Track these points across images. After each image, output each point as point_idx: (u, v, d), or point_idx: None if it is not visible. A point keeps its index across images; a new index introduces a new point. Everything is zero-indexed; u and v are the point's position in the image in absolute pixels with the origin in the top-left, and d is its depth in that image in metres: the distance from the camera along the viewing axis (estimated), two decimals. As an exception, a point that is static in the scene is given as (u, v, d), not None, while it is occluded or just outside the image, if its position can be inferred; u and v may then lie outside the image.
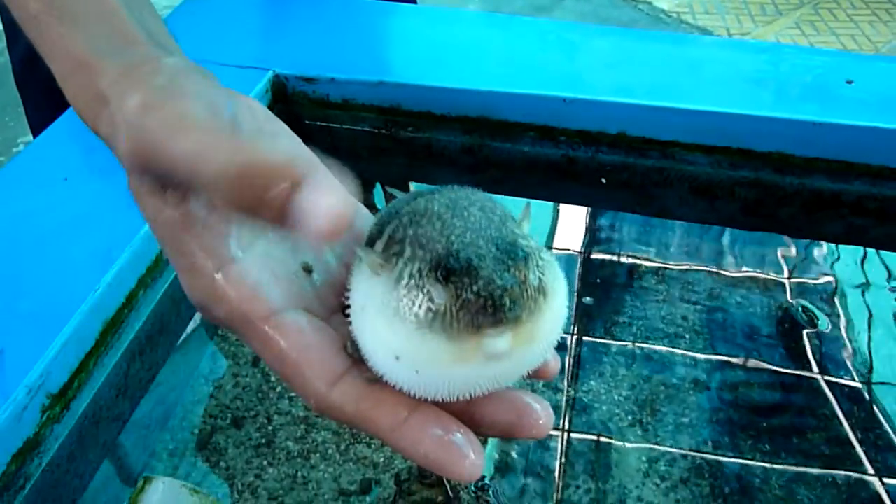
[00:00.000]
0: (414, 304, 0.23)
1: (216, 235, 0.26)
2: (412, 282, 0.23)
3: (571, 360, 0.68)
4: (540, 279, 0.24)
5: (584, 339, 0.71)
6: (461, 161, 0.76)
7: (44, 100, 0.85)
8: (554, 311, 0.25)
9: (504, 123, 0.74)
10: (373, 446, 0.63)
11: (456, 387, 0.24)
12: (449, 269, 0.23)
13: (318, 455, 0.63)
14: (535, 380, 0.24)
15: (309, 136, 0.26)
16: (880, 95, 0.71)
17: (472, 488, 0.53)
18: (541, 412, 0.25)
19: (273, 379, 0.69)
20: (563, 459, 0.61)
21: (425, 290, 0.23)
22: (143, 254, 0.58)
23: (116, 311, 0.56)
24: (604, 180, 0.76)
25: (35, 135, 0.89)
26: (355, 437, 0.64)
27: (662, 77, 0.74)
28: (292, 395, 0.68)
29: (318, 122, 0.77)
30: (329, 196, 0.24)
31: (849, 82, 0.73)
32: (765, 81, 0.73)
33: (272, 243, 0.27)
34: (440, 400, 0.24)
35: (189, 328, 0.70)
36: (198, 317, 0.71)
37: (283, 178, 0.24)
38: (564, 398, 0.66)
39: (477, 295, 0.23)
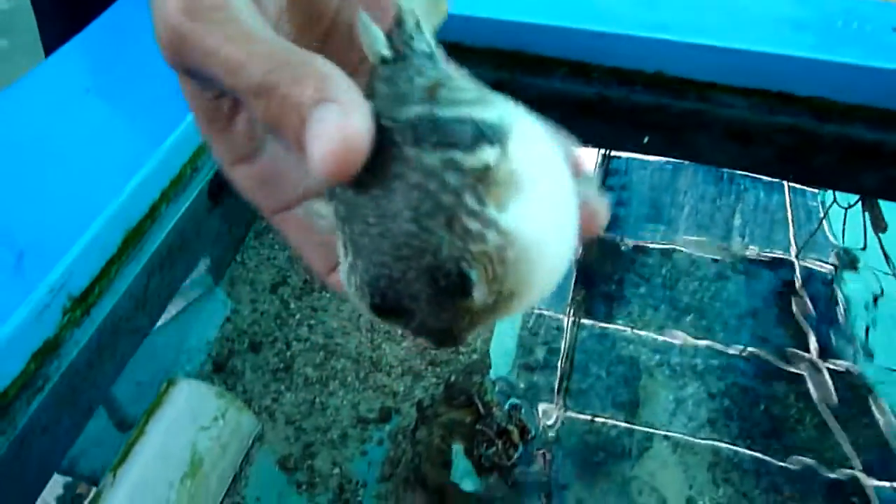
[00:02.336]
0: None
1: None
2: None
3: (568, 339, 0.67)
4: None
5: (583, 321, 0.69)
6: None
7: (58, 18, 0.83)
8: None
9: (536, 58, 0.72)
10: (392, 375, 0.62)
11: None
12: None
13: (336, 382, 0.62)
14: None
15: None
16: (927, 44, 0.69)
17: (506, 407, 0.52)
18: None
19: (292, 306, 0.68)
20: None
21: None
22: (166, 166, 0.57)
23: (139, 221, 0.54)
24: (646, 139, 0.74)
25: (48, 54, 0.86)
26: (375, 366, 0.63)
27: (703, 16, 0.71)
28: (312, 322, 0.66)
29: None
30: (344, 118, 0.18)
31: (895, 30, 0.70)
32: (807, 24, 0.71)
33: None
34: None
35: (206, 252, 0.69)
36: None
37: (306, 89, 0.19)
38: (558, 376, 0.65)
39: None
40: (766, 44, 0.68)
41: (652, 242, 0.75)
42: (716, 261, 0.74)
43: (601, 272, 0.73)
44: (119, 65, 0.65)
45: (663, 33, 0.69)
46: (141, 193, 0.54)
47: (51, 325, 0.47)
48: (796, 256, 0.75)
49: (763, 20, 0.71)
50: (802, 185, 0.79)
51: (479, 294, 0.19)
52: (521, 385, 0.60)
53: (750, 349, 0.66)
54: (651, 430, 0.58)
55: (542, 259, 0.19)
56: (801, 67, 0.67)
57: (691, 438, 0.58)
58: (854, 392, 0.63)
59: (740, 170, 0.76)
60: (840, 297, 0.71)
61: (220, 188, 0.66)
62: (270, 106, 0.20)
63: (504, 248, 0.19)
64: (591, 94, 0.72)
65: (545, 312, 0.68)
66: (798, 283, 0.72)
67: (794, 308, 0.70)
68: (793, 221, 0.79)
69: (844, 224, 0.79)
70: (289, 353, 0.64)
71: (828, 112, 0.69)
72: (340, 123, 0.18)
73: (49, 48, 0.90)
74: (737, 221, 0.79)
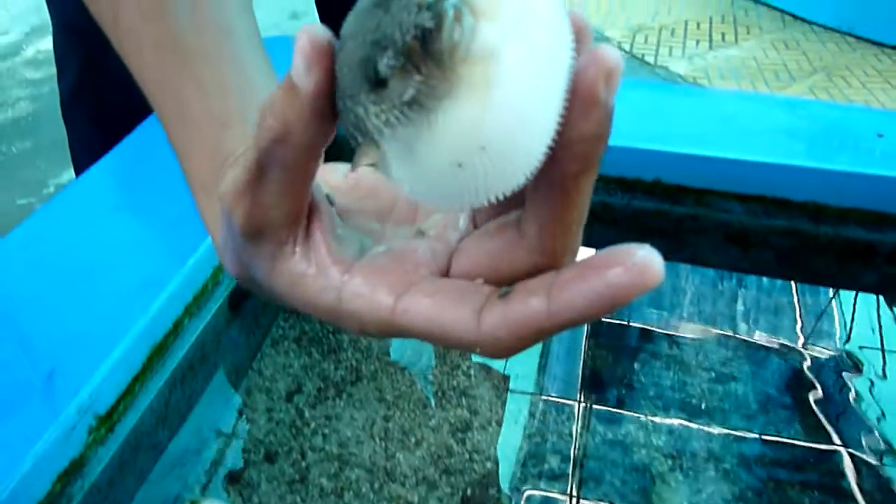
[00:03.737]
0: None
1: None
2: None
3: (579, 428, 0.67)
4: None
5: (595, 407, 0.70)
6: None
7: (89, 133, 0.88)
8: None
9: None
10: (407, 485, 0.63)
11: None
12: None
13: (351, 493, 0.63)
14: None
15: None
16: (912, 149, 0.72)
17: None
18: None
19: (307, 415, 0.69)
20: None
21: None
22: (190, 282, 0.59)
23: (163, 337, 0.56)
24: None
25: (77, 169, 0.91)
26: (389, 476, 0.63)
27: (697, 127, 0.75)
28: (326, 431, 0.67)
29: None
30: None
31: (879, 136, 0.74)
32: (797, 133, 0.75)
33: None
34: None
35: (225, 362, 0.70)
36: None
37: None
38: (571, 466, 0.65)
39: None
40: (760, 153, 0.71)
41: (657, 327, 0.77)
42: (723, 347, 0.75)
43: (609, 375, 0.74)
44: (145, 185, 0.68)
45: (661, 144, 0.73)
46: (166, 310, 0.56)
47: (77, 445, 0.48)
48: (804, 345, 0.76)
49: (755, 130, 0.75)
50: (806, 283, 0.81)
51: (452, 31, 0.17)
52: (536, 495, 0.60)
53: (765, 439, 0.66)
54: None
55: None
56: (793, 175, 0.70)
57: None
58: (877, 480, 0.63)
59: (743, 272, 0.78)
60: (851, 384, 0.72)
61: (241, 298, 0.69)
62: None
63: None
64: (594, 202, 0.76)
65: (554, 415, 0.68)
66: (809, 370, 0.73)
67: (807, 395, 0.71)
68: (800, 306, 0.80)
69: (855, 304, 0.80)
70: (304, 464, 0.65)
71: (822, 215, 0.72)
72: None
73: (75, 151, 0.94)
74: (743, 307, 0.80)
